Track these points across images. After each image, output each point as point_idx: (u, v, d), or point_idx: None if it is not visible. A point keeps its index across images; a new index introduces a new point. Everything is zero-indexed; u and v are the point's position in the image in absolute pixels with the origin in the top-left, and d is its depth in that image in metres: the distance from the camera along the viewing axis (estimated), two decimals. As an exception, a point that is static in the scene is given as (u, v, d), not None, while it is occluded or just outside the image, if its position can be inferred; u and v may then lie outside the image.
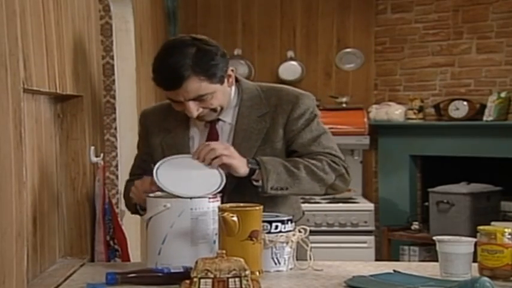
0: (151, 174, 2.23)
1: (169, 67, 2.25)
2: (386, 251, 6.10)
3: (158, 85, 2.32)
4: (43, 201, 2.27)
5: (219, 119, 2.43)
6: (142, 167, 2.49)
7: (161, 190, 2.21)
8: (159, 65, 2.30)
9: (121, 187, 4.23)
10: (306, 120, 2.43)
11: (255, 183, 2.32)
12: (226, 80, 2.36)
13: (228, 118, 2.44)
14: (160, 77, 2.29)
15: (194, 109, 2.31)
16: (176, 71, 2.24)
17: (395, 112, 6.24)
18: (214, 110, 2.36)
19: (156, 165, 2.25)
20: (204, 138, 2.43)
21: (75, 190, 2.54)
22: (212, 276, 1.79)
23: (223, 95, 2.36)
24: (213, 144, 2.31)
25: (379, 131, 6.32)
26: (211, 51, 2.29)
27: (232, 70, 2.39)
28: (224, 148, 2.29)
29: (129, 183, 2.54)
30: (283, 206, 2.44)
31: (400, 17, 6.41)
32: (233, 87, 2.45)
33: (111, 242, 2.68)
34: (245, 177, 2.31)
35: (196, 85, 2.26)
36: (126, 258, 2.69)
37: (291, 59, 6.48)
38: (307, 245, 2.24)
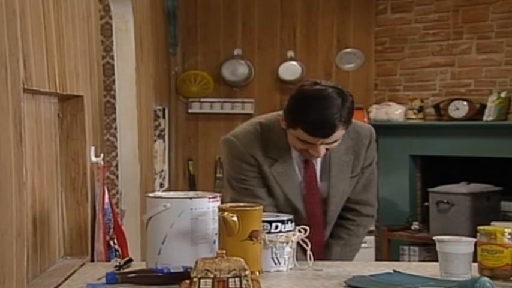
0: None
1: (324, 118, 2.36)
2: (386, 251, 6.11)
3: (305, 130, 2.38)
4: (43, 201, 2.27)
5: None
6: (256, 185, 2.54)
7: None
8: (312, 115, 2.37)
9: (121, 187, 4.24)
10: (373, 156, 2.65)
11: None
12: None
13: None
14: (313, 127, 2.37)
15: (323, 151, 2.44)
16: (331, 123, 2.37)
17: (395, 112, 6.24)
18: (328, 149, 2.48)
19: None
20: (301, 165, 2.55)
21: (75, 190, 2.53)
22: (212, 276, 1.79)
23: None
24: None
25: (379, 131, 6.29)
26: (349, 100, 2.42)
27: None
28: None
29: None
30: None
31: (400, 17, 6.41)
32: None
33: (111, 242, 2.68)
34: None
35: (340, 133, 2.42)
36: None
37: (291, 59, 6.48)
38: (307, 245, 2.24)
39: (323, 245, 2.59)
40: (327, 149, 2.45)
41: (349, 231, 2.63)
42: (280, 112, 2.51)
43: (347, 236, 2.63)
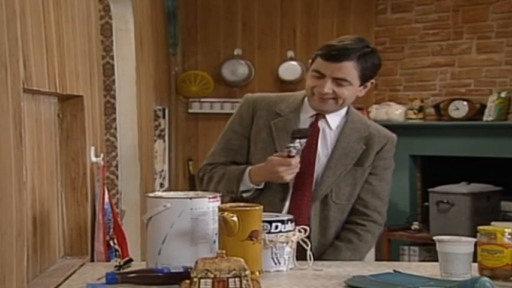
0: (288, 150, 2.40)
1: (343, 45, 2.47)
2: (386, 251, 6.11)
3: (321, 54, 2.47)
4: (43, 201, 2.27)
5: (324, 118, 2.57)
6: (230, 148, 2.61)
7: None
8: (334, 41, 2.50)
9: (121, 187, 4.24)
10: (389, 163, 2.70)
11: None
12: (363, 86, 2.53)
13: (333, 124, 2.59)
14: (329, 48, 2.47)
15: (328, 86, 2.46)
16: (346, 49, 2.45)
17: (395, 112, 6.24)
18: (336, 101, 2.50)
19: None
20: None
21: (75, 190, 2.53)
22: (212, 276, 1.79)
23: (353, 95, 2.53)
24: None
25: (379, 131, 6.32)
26: (378, 57, 2.52)
27: (372, 83, 2.56)
28: None
29: (218, 169, 2.60)
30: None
31: (400, 17, 6.41)
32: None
33: (111, 242, 2.68)
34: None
35: (350, 69, 2.45)
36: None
37: (291, 59, 6.48)
38: (307, 245, 2.24)
39: (307, 218, 2.51)
40: (335, 93, 2.47)
41: (359, 236, 2.60)
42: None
43: (357, 240, 2.59)
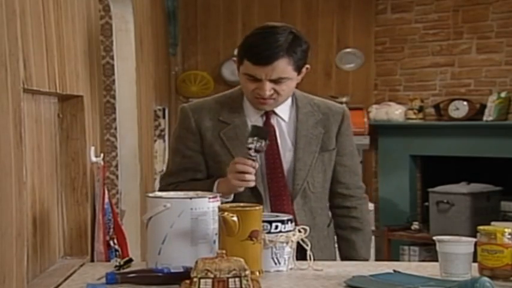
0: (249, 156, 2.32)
1: (267, 44, 2.37)
2: (386, 251, 6.11)
3: (249, 58, 2.39)
4: (43, 201, 2.27)
5: (274, 113, 2.51)
6: (188, 165, 2.51)
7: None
8: (256, 41, 2.40)
9: (121, 187, 4.24)
10: (351, 137, 2.62)
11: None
12: (299, 74, 2.45)
13: (284, 115, 2.53)
14: (255, 51, 2.38)
15: (268, 89, 2.40)
16: (273, 49, 2.36)
17: (395, 112, 6.24)
18: (276, 98, 2.43)
19: None
20: None
21: (75, 190, 2.53)
22: (212, 276, 1.79)
23: (292, 86, 2.46)
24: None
25: (379, 131, 6.32)
26: (304, 41, 2.43)
27: (307, 68, 2.48)
28: None
29: (183, 187, 2.44)
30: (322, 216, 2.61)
31: (400, 17, 6.41)
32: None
33: (111, 242, 2.68)
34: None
35: (284, 66, 2.37)
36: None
37: (291, 59, 6.47)
38: (307, 245, 2.24)
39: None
40: (277, 93, 2.40)
41: (358, 219, 2.63)
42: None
43: (360, 224, 2.64)
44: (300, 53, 2.40)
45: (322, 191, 2.58)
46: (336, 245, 2.70)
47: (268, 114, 2.51)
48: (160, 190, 2.55)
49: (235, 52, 2.53)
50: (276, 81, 2.39)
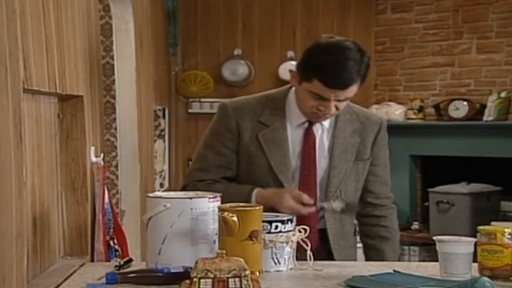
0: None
1: (343, 69, 2.35)
2: (386, 251, 6.09)
3: (322, 80, 2.34)
4: (43, 201, 2.27)
5: (319, 122, 2.52)
6: (221, 163, 2.51)
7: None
8: (330, 64, 2.35)
9: (121, 187, 4.24)
10: (385, 148, 2.64)
11: None
12: None
13: (326, 122, 2.53)
14: (331, 75, 2.34)
15: (333, 108, 2.40)
16: (350, 74, 2.35)
17: (395, 112, 6.24)
18: (335, 113, 2.45)
19: None
20: (300, 136, 2.50)
21: (75, 190, 2.53)
22: (212, 276, 1.79)
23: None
24: None
25: (379, 131, 6.32)
26: (368, 57, 2.46)
27: None
28: None
29: (214, 187, 2.44)
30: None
31: (400, 17, 6.41)
32: None
33: (111, 242, 2.68)
34: None
35: (355, 89, 2.40)
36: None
37: (291, 59, 6.47)
38: (307, 245, 2.24)
39: (315, 224, 2.49)
40: (337, 109, 2.41)
41: (388, 228, 2.65)
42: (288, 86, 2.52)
43: (388, 233, 2.64)
44: (367, 71, 2.43)
45: (353, 199, 2.57)
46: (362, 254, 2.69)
47: (311, 123, 2.51)
48: (187, 185, 2.55)
49: (295, 65, 2.52)
50: (342, 100, 2.40)
